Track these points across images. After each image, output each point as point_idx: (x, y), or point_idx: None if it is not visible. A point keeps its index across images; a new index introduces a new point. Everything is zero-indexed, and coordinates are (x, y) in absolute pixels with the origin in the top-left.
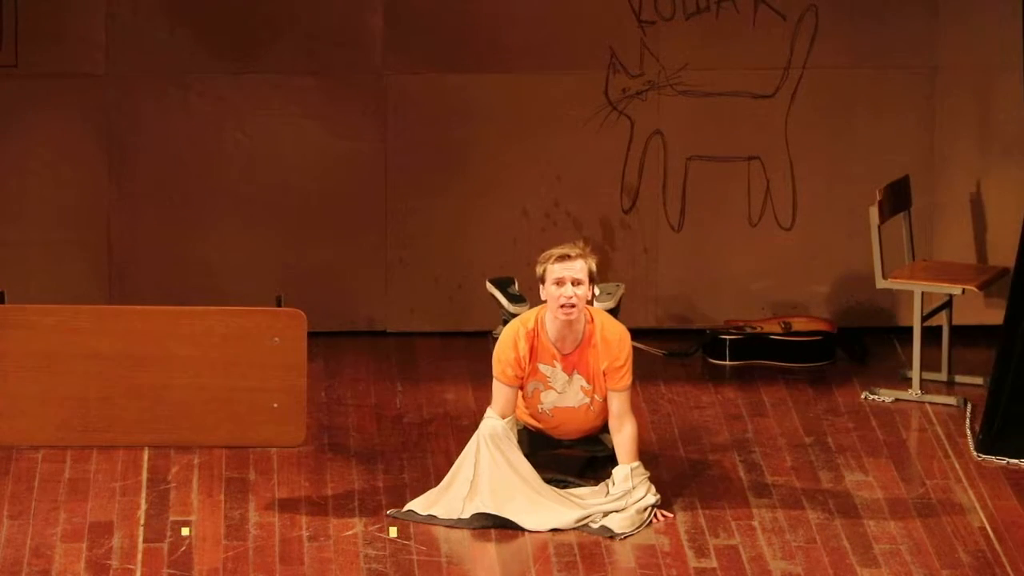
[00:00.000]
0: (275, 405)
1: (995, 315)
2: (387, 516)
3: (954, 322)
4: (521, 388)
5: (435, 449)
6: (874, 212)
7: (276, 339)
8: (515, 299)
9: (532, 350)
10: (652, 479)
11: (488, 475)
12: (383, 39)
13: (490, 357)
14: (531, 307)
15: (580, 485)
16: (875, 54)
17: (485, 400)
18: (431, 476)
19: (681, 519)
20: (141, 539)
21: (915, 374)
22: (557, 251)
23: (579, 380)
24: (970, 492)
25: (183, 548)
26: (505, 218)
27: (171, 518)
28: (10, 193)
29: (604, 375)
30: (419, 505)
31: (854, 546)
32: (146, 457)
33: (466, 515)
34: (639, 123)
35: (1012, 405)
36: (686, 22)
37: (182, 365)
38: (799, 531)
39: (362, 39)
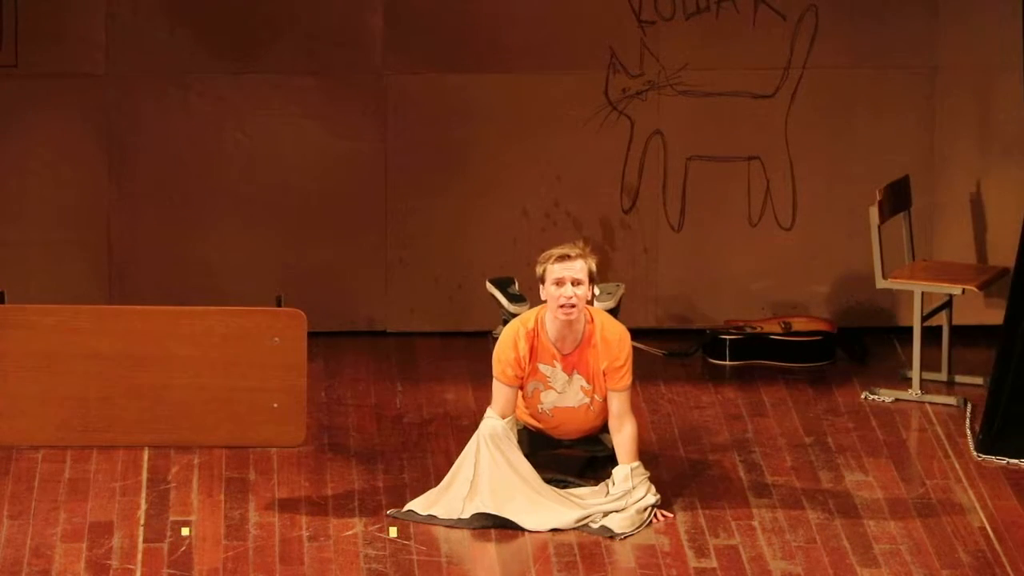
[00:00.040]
0: (275, 405)
1: (995, 315)
2: (387, 516)
3: (954, 322)
4: (521, 388)
5: (435, 449)
6: (874, 212)
7: (276, 339)
8: (515, 299)
9: (532, 350)
10: (652, 479)
11: (488, 475)
12: (383, 39)
13: (490, 357)
14: (531, 307)
15: (580, 485)
16: (875, 54)
17: (485, 400)
18: (431, 476)
19: (681, 519)
20: (141, 539)
21: (915, 374)
22: (557, 251)
23: (579, 380)
24: (970, 492)
25: (183, 548)
26: (505, 218)
27: (171, 518)
28: (10, 193)
29: (604, 375)
30: (419, 505)
31: (854, 546)
32: (146, 457)
33: (466, 515)
34: (639, 123)
35: (1012, 405)
36: (686, 22)
37: (182, 365)
38: (799, 531)
39: (362, 39)
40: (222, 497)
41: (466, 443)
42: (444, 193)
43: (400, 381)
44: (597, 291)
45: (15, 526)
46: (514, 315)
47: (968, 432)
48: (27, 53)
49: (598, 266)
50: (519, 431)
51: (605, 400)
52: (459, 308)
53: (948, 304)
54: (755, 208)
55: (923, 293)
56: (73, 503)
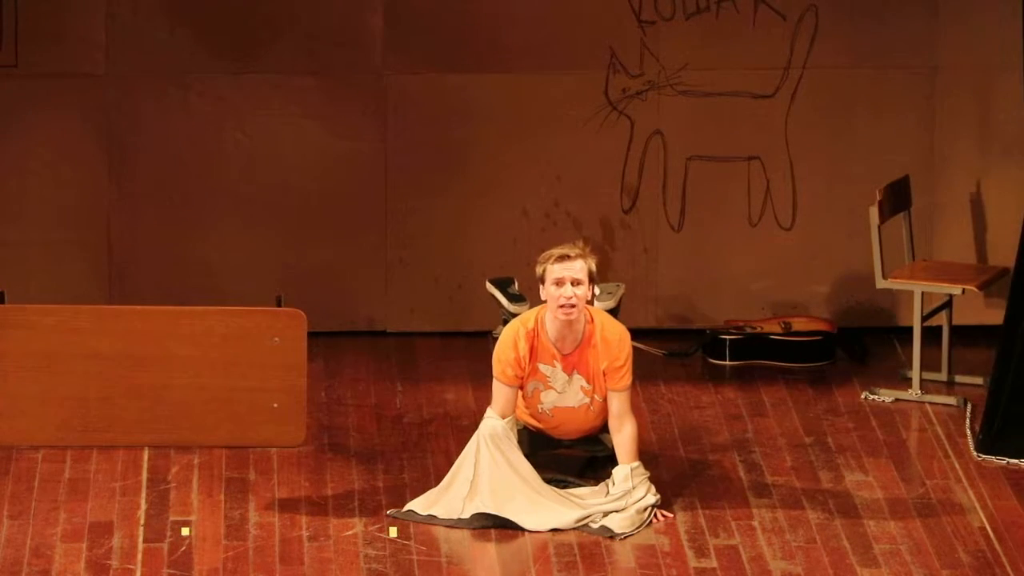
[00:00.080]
0: (275, 405)
1: (995, 315)
2: (387, 516)
3: (954, 322)
4: (521, 388)
5: (435, 449)
6: (874, 212)
7: (276, 339)
8: (515, 299)
9: (532, 350)
10: (652, 479)
11: (488, 475)
12: (383, 39)
13: (490, 357)
14: (531, 307)
15: (580, 485)
16: (875, 54)
17: (485, 400)
18: (431, 476)
19: (681, 519)
20: (141, 539)
21: (915, 374)
22: (557, 251)
23: (579, 380)
24: (970, 492)
25: (183, 548)
26: (505, 218)
27: (171, 518)
28: (10, 193)
29: (604, 375)
30: (419, 505)
31: (854, 546)
32: (146, 457)
33: (466, 515)
34: (639, 123)
35: (1012, 405)
36: (686, 22)
37: (182, 365)
38: (799, 531)
39: (362, 39)
40: (222, 497)
41: (466, 443)
42: (444, 193)
43: (400, 381)
44: (597, 291)
45: (15, 526)
46: (514, 315)
47: (968, 432)
48: (27, 53)
49: (598, 266)
50: (519, 431)
51: (605, 400)
52: (459, 308)
53: (948, 304)
54: (755, 208)
55: (923, 293)
56: (73, 503)
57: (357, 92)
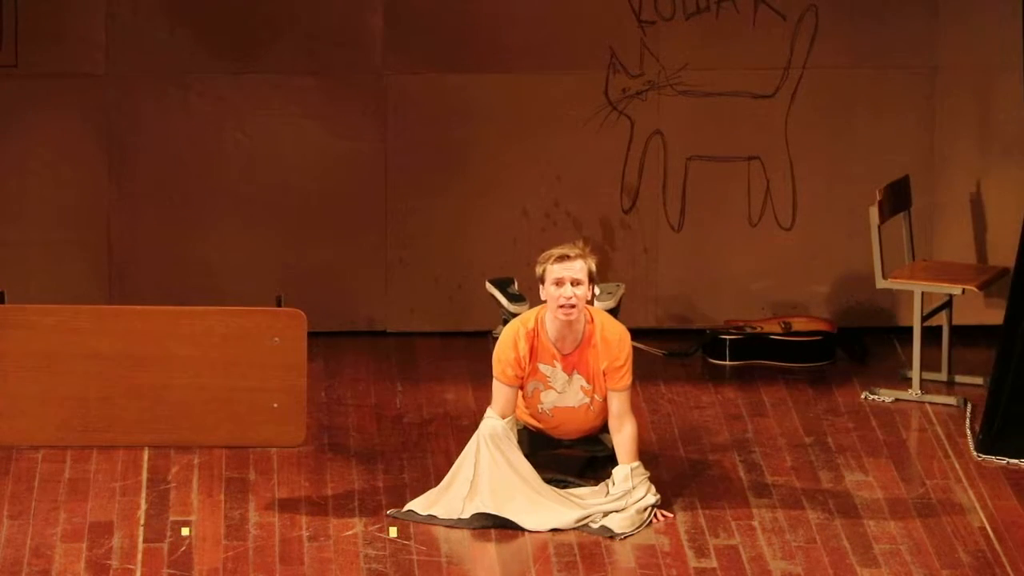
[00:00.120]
0: (275, 405)
1: (995, 315)
2: (387, 516)
3: (954, 322)
4: (521, 388)
5: (435, 449)
6: (874, 212)
7: (276, 339)
8: (515, 299)
9: (532, 350)
10: (652, 479)
11: (488, 475)
12: (383, 39)
13: (490, 357)
14: (531, 307)
15: (580, 485)
16: (875, 54)
17: (485, 400)
18: (431, 476)
19: (681, 519)
20: (141, 539)
21: (915, 374)
22: (557, 251)
23: (579, 380)
24: (970, 492)
25: (183, 548)
26: (505, 218)
27: (171, 518)
28: (10, 193)
29: (604, 375)
30: (419, 505)
31: (854, 546)
32: (146, 457)
33: (466, 515)
34: (639, 123)
35: (1012, 405)
36: (686, 22)
37: (182, 365)
38: (799, 531)
39: (362, 39)
40: (222, 497)
41: (466, 443)
42: (444, 193)
43: (400, 381)
44: (597, 291)
45: (15, 526)
46: (514, 315)
47: (968, 432)
48: (27, 53)
49: (598, 266)
50: (519, 431)
51: (605, 400)
52: (459, 308)
53: (948, 304)
54: (755, 208)
55: (923, 293)
56: (73, 503)
57: (357, 92)
